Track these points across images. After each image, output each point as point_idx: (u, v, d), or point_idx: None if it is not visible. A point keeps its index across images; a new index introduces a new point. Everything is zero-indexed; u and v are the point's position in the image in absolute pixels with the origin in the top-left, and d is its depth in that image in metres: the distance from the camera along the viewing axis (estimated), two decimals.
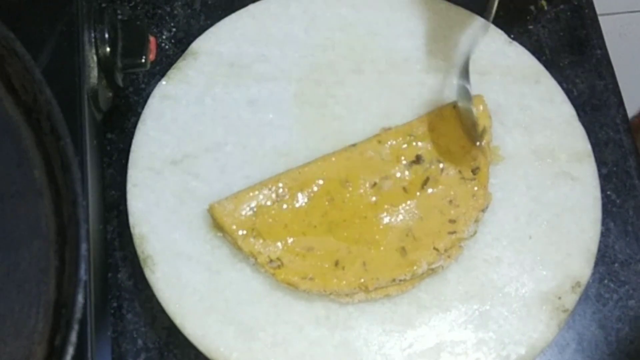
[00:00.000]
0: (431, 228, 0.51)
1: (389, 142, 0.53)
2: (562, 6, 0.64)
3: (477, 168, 0.53)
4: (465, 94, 0.53)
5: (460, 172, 0.53)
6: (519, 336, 0.50)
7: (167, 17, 0.62)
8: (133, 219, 0.52)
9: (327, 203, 0.51)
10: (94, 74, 0.50)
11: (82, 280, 0.38)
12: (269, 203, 0.51)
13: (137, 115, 0.56)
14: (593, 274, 0.53)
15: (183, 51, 0.58)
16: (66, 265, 0.39)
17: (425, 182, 0.52)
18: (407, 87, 0.56)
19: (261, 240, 0.50)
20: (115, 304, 0.53)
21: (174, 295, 0.50)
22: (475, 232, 0.51)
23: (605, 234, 0.55)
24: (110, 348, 0.51)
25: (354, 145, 0.53)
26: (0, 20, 0.41)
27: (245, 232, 0.50)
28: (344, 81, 0.57)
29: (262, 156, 0.54)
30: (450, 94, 0.57)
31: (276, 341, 0.49)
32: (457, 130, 0.54)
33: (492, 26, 0.59)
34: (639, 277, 0.55)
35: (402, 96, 0.56)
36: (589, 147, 0.56)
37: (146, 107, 0.56)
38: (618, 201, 0.57)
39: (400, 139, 0.53)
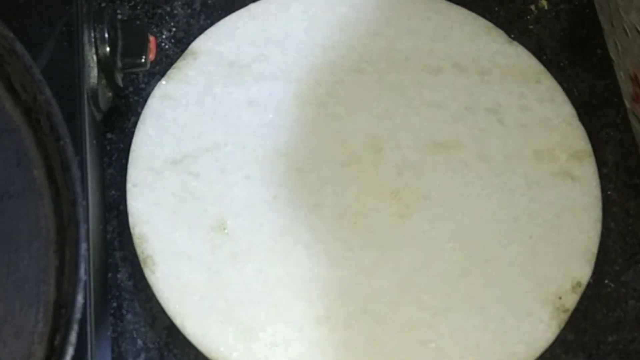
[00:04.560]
0: None
1: None
2: (562, 6, 0.63)
3: None
4: None
5: None
6: (519, 336, 0.50)
7: (167, 17, 0.61)
8: (133, 219, 0.52)
9: None
10: (93, 73, 0.50)
11: (81, 281, 0.38)
12: None
13: (137, 115, 0.56)
14: (593, 274, 0.53)
15: (183, 51, 0.58)
16: (66, 265, 0.39)
17: None
18: (408, 87, 0.56)
19: None
20: (115, 304, 0.53)
21: (174, 295, 0.50)
22: None
23: (605, 234, 0.55)
24: (110, 348, 0.51)
25: None
26: None
27: None
28: (344, 81, 0.57)
29: (262, 156, 0.54)
30: (450, 93, 0.57)
31: (276, 341, 0.49)
32: None
33: (493, 26, 0.59)
34: (639, 277, 0.55)
35: (402, 96, 0.56)
36: (589, 146, 0.56)
37: (146, 107, 0.56)
38: (619, 201, 0.57)
39: None
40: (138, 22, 0.53)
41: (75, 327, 0.37)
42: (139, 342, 0.52)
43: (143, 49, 0.52)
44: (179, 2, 0.62)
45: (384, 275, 0.51)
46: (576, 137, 0.56)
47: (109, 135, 0.57)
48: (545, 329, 0.50)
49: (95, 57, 0.50)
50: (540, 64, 0.59)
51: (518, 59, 0.58)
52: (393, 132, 0.54)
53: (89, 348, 0.43)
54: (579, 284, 0.52)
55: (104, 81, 0.52)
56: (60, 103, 0.41)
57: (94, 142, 0.51)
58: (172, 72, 0.57)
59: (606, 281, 0.55)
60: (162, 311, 0.50)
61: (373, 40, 0.58)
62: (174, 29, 0.61)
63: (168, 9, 0.62)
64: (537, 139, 0.56)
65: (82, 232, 0.39)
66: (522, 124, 0.56)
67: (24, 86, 0.42)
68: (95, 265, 0.48)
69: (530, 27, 0.63)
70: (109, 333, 0.52)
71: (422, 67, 0.57)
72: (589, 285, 0.53)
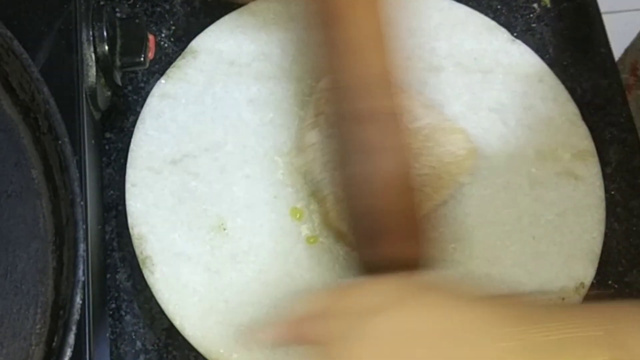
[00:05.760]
0: None
1: None
2: (565, 4, 0.63)
3: None
4: None
5: None
6: None
7: (166, 15, 0.61)
8: (132, 219, 0.52)
9: None
10: (92, 72, 0.49)
11: (80, 281, 0.38)
12: None
13: (136, 114, 0.56)
14: (597, 274, 0.52)
15: (182, 49, 0.57)
16: (64, 266, 0.39)
17: None
18: (409, 86, 0.56)
19: None
20: (113, 305, 0.52)
21: (173, 296, 0.50)
22: None
23: (609, 234, 0.55)
24: (109, 349, 0.51)
25: None
26: None
27: None
28: None
29: (262, 156, 0.54)
30: (452, 93, 0.56)
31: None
32: None
33: (495, 24, 0.59)
34: None
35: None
36: (592, 146, 0.56)
37: (145, 106, 0.55)
38: (622, 201, 0.57)
39: None
40: (137, 21, 0.53)
41: (74, 329, 0.37)
42: (138, 343, 0.52)
43: (142, 48, 0.52)
44: (179, 0, 0.62)
45: None
46: (579, 137, 0.56)
47: (107, 135, 0.57)
48: None
49: (93, 56, 0.50)
50: (543, 62, 0.58)
51: (521, 58, 0.58)
52: None
53: (88, 349, 0.43)
54: (582, 284, 0.51)
55: (102, 80, 0.51)
56: (58, 102, 0.41)
57: (93, 141, 0.50)
58: (171, 71, 0.56)
59: (610, 282, 0.55)
60: (162, 312, 0.50)
61: None
62: (173, 27, 0.61)
63: (167, 7, 0.61)
64: (540, 139, 0.56)
65: (81, 232, 0.39)
66: (525, 124, 0.56)
67: (22, 85, 0.42)
68: (94, 266, 0.47)
69: (533, 25, 0.62)
70: (107, 334, 0.51)
71: (424, 65, 0.57)
72: (592, 286, 0.52)
